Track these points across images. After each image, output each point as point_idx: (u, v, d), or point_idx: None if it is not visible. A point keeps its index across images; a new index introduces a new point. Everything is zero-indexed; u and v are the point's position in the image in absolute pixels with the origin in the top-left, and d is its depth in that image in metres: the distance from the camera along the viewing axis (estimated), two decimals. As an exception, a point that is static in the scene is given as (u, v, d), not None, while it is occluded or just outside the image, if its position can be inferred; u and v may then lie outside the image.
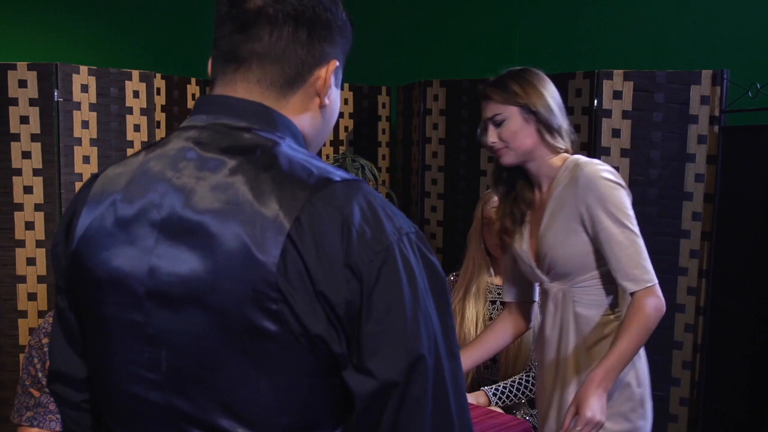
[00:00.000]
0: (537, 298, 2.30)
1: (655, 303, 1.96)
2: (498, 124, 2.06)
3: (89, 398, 1.12)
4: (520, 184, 2.17)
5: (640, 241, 1.99)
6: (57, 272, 1.10)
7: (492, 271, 2.86)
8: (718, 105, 3.13)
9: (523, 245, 2.16)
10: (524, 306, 2.33)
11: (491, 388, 2.64)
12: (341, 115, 4.25)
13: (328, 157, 4.12)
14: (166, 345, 0.95)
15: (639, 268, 1.96)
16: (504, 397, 2.63)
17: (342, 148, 4.27)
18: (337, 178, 0.94)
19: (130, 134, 3.44)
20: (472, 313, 2.79)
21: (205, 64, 1.14)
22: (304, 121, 1.07)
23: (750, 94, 3.04)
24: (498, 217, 2.24)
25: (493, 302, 2.84)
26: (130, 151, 3.41)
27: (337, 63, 1.09)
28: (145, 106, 3.49)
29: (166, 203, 0.96)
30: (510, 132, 2.05)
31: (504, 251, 2.28)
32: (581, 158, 2.05)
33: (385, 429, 0.91)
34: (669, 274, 3.22)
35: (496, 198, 2.75)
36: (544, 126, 2.04)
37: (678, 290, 3.22)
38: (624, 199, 1.99)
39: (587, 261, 2.04)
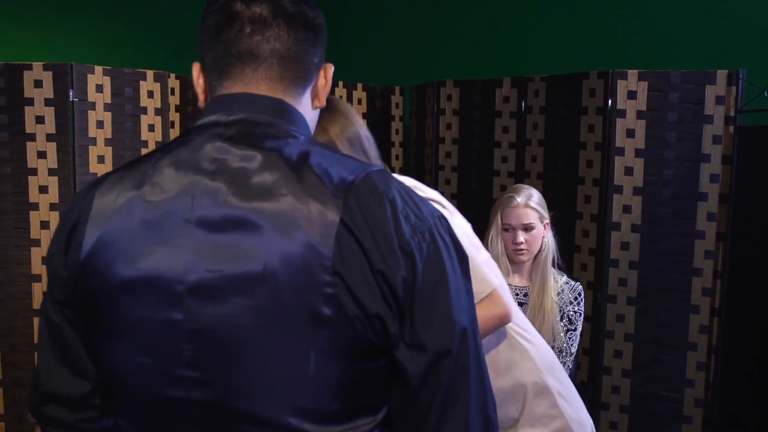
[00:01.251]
0: None
1: (492, 310, 1.79)
2: None
3: (84, 417, 1.09)
4: None
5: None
6: (54, 285, 1.06)
7: (511, 271, 2.81)
8: (733, 105, 3.11)
9: None
10: None
11: None
12: (354, 115, 4.25)
13: (341, 157, 4.13)
14: (213, 340, 0.95)
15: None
16: None
17: (355, 148, 4.27)
18: (370, 168, 0.99)
19: (145, 134, 3.46)
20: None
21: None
22: (307, 119, 1.11)
23: (766, 94, 3.02)
24: None
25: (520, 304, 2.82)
26: (144, 151, 3.42)
27: (330, 68, 1.14)
28: (159, 106, 3.50)
29: (201, 200, 0.97)
30: None
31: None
32: None
33: (438, 402, 0.97)
34: (683, 275, 3.21)
35: (517, 201, 2.74)
36: None
37: (693, 291, 3.20)
38: None
39: None
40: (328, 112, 1.82)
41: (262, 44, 1.04)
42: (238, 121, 1.02)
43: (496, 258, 2.80)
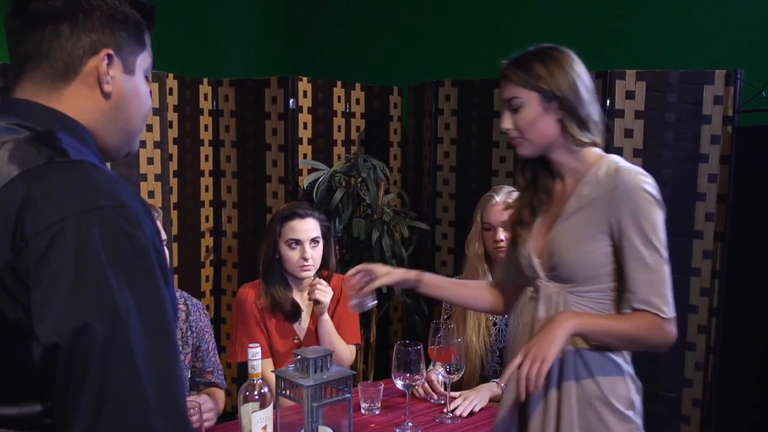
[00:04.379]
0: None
1: (670, 330, 1.78)
2: (514, 110, 1.86)
3: None
4: (542, 173, 1.96)
5: (667, 269, 1.80)
6: None
7: (491, 275, 2.74)
8: (731, 105, 3.12)
9: (530, 236, 1.96)
10: (516, 290, 2.11)
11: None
12: (353, 115, 4.25)
13: (339, 157, 4.13)
14: None
15: (659, 296, 1.77)
16: None
17: (353, 149, 4.27)
18: (59, 159, 1.01)
19: (143, 134, 3.45)
20: (472, 320, 2.74)
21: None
22: (86, 112, 1.12)
23: (764, 93, 3.03)
24: (516, 207, 2.03)
25: None
26: (142, 152, 3.42)
27: (110, 51, 1.12)
28: (157, 106, 3.50)
29: None
30: (526, 121, 1.84)
31: (513, 244, 2.06)
32: (621, 161, 1.86)
33: (60, 397, 0.93)
34: (682, 275, 3.21)
35: (496, 200, 2.74)
36: (569, 115, 1.82)
37: (691, 291, 3.21)
38: (660, 218, 1.81)
39: (598, 273, 1.83)
40: (565, 57, 1.87)
41: (13, 51, 1.13)
42: None
43: (475, 260, 2.78)
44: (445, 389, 2.46)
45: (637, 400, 1.91)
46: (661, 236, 1.80)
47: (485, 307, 2.21)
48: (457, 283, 2.26)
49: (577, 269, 1.85)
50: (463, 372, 2.39)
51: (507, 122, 1.88)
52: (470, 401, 2.49)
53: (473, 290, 2.21)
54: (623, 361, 1.90)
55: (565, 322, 1.76)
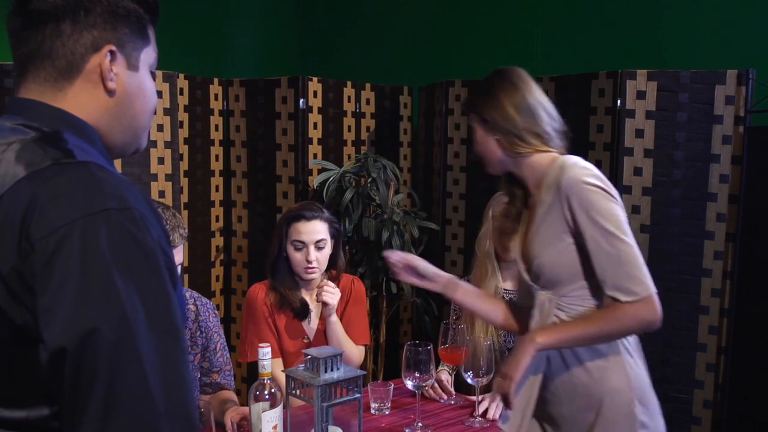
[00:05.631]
0: None
1: (641, 312, 1.81)
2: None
3: None
4: (515, 186, 2.11)
5: (633, 250, 1.82)
6: None
7: (500, 275, 2.74)
8: (743, 105, 3.10)
9: (516, 249, 2.06)
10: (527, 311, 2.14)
11: None
12: (363, 115, 4.25)
13: (350, 157, 4.13)
14: None
15: (630, 279, 1.80)
16: None
17: (363, 148, 4.27)
18: (65, 160, 0.99)
19: (153, 134, 3.47)
20: (481, 321, 2.73)
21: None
22: (91, 111, 1.11)
23: (776, 93, 3.01)
24: (500, 218, 2.18)
25: None
26: (153, 152, 3.43)
27: (113, 48, 1.11)
28: (168, 106, 3.51)
29: None
30: (477, 143, 2.05)
31: (506, 253, 2.15)
32: (568, 160, 1.92)
33: (68, 401, 0.93)
34: (693, 276, 3.20)
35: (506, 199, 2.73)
36: (501, 132, 1.96)
37: (702, 292, 3.19)
38: (609, 204, 1.84)
39: (574, 271, 1.89)
40: (499, 82, 1.99)
41: (16, 51, 1.12)
42: (3, 126, 1.10)
43: (484, 258, 2.77)
44: (461, 392, 2.45)
45: (649, 391, 1.96)
46: (615, 221, 1.83)
47: (503, 323, 2.22)
48: (485, 296, 2.27)
49: (553, 272, 1.92)
50: (492, 375, 2.35)
51: (475, 146, 2.07)
52: (498, 403, 2.46)
53: (498, 306, 2.22)
54: (620, 350, 1.94)
55: (528, 344, 1.85)
